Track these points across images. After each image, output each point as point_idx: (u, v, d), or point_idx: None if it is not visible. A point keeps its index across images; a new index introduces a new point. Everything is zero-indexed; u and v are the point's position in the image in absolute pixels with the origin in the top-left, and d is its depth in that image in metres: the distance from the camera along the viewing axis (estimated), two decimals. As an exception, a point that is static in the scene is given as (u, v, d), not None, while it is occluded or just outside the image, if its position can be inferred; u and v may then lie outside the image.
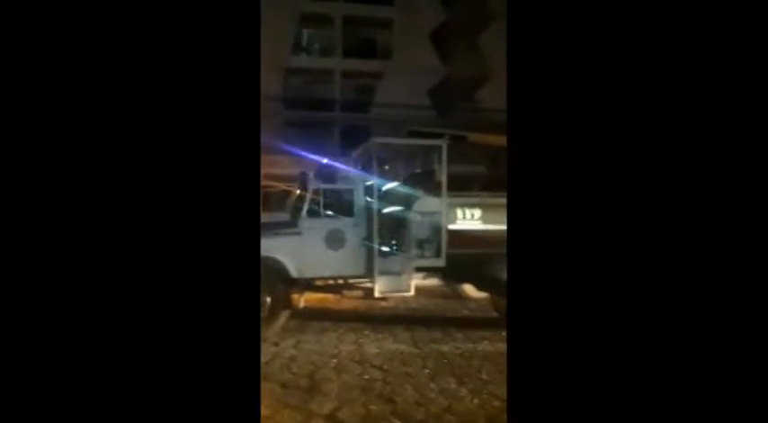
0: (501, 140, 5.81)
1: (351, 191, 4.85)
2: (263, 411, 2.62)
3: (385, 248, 4.90)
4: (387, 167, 5.74)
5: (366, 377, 3.25)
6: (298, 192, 5.24)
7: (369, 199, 4.85)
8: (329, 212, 4.80)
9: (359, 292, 4.98)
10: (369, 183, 4.87)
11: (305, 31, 14.86)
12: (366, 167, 5.24)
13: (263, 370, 3.32)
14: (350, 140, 11.34)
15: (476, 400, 2.84)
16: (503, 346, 4.16)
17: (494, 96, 13.83)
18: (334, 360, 3.65)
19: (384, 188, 5.16)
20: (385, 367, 3.48)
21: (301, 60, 14.59)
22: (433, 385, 3.11)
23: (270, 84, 13.72)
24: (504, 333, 4.52)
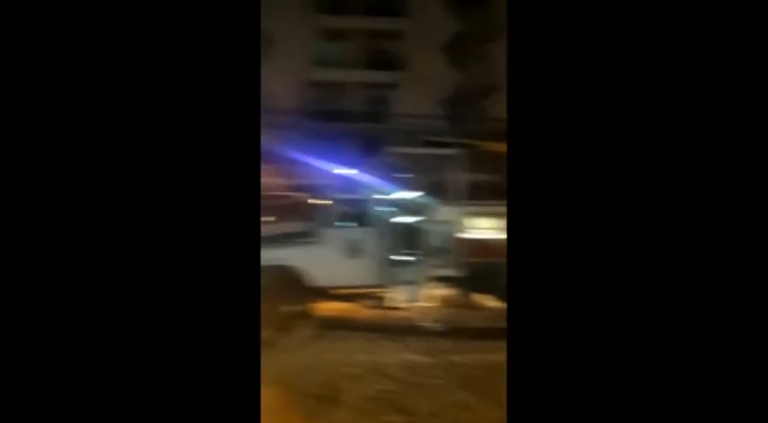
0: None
1: (367, 201, 4.92)
2: (279, 419, 2.66)
3: (400, 258, 4.93)
4: (402, 177, 5.79)
5: (380, 387, 3.27)
6: (316, 202, 5.34)
7: (385, 208, 4.91)
8: (346, 222, 4.87)
9: (374, 302, 5.01)
10: (385, 192, 4.94)
11: (322, 45, 15.18)
12: (382, 177, 5.31)
13: (281, 378, 3.37)
14: (366, 151, 11.44)
15: (486, 411, 2.83)
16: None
17: (501, 106, 13.80)
18: (350, 370, 3.67)
19: (400, 198, 5.21)
20: (400, 377, 3.48)
21: (319, 73, 14.89)
22: (446, 396, 3.10)
23: (288, 97, 14.03)
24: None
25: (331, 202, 4.87)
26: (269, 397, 3.03)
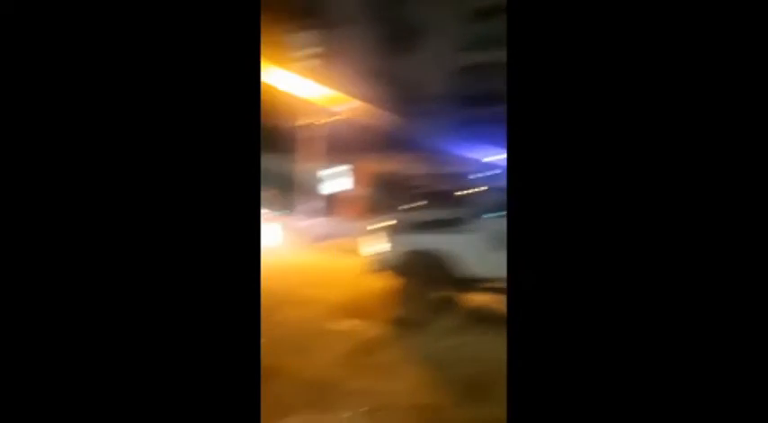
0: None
1: (520, 189, 4.58)
2: (428, 400, 2.73)
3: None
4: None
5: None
6: (467, 190, 5.25)
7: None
8: (497, 212, 4.65)
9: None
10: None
11: (471, 28, 14.74)
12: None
13: (427, 361, 3.45)
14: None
15: None
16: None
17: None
18: (493, 365, 3.52)
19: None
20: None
21: (469, 57, 14.54)
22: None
23: (439, 84, 14.14)
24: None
25: (483, 189, 4.70)
26: (416, 376, 3.14)
